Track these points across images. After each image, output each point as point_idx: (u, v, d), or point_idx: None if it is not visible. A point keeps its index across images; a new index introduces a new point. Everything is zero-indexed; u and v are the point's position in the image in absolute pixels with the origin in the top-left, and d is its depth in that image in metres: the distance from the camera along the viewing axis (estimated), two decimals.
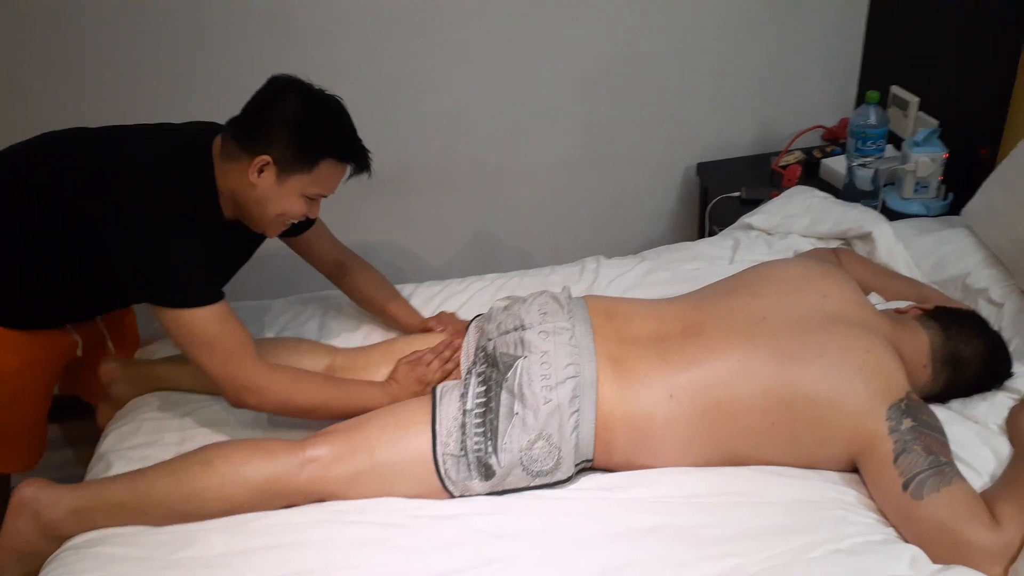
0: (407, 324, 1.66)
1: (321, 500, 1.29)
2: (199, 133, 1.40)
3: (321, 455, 1.27)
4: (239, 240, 1.48)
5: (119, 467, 1.37)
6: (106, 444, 1.45)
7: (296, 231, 1.58)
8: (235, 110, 2.08)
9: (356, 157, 1.39)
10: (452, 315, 1.69)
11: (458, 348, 1.50)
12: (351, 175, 1.41)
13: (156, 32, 1.99)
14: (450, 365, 1.49)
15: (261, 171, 1.33)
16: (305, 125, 1.33)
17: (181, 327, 1.30)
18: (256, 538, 1.21)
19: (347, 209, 2.32)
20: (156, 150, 1.37)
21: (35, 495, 1.25)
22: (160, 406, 1.51)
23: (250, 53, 2.06)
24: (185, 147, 1.38)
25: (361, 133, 2.18)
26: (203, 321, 1.30)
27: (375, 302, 1.68)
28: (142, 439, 1.44)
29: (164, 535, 1.23)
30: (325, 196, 1.41)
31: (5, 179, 1.36)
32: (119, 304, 1.56)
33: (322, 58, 2.10)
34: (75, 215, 1.30)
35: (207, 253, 1.33)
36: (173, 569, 1.17)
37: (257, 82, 2.07)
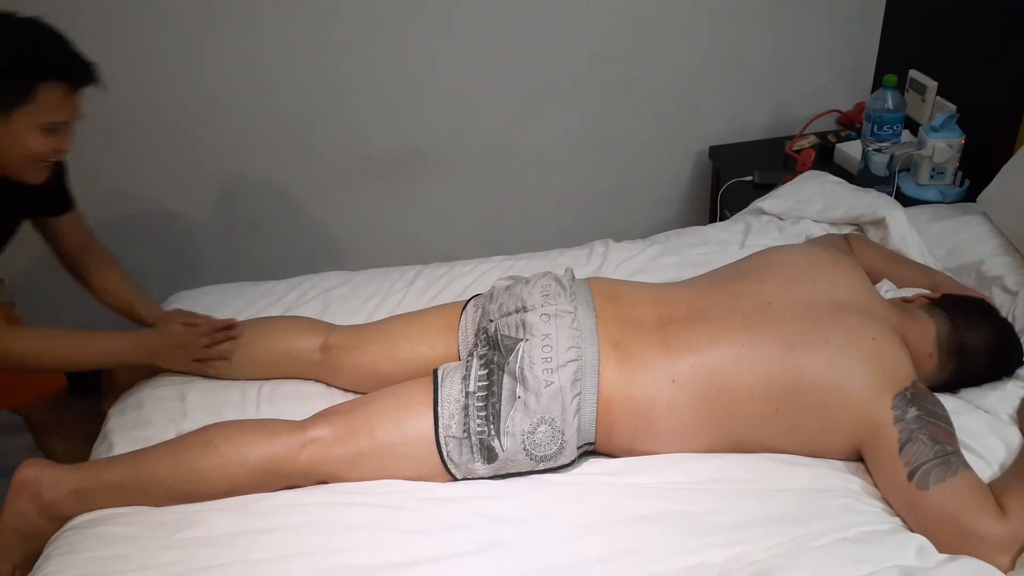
0: (148, 315, 1.58)
1: (322, 481, 1.28)
2: None
3: (322, 435, 1.27)
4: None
5: (122, 448, 1.37)
6: (109, 425, 1.45)
7: (47, 211, 1.51)
8: (245, 87, 2.09)
9: (73, 73, 1.28)
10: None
11: (234, 337, 1.48)
12: (79, 88, 1.30)
13: (164, 7, 1.98)
14: (216, 352, 1.48)
15: None
16: (7, 56, 1.24)
17: None
18: (258, 519, 1.21)
19: (355, 190, 2.33)
20: None
21: (36, 476, 1.25)
22: (162, 387, 1.51)
23: (260, 33, 2.04)
24: None
25: (371, 115, 2.21)
26: None
27: (120, 295, 1.59)
28: (145, 420, 1.44)
29: (166, 515, 1.23)
30: (67, 122, 1.31)
31: None
32: None
33: (332, 39, 2.08)
34: None
35: None
36: (175, 549, 1.17)
37: (268, 60, 2.07)
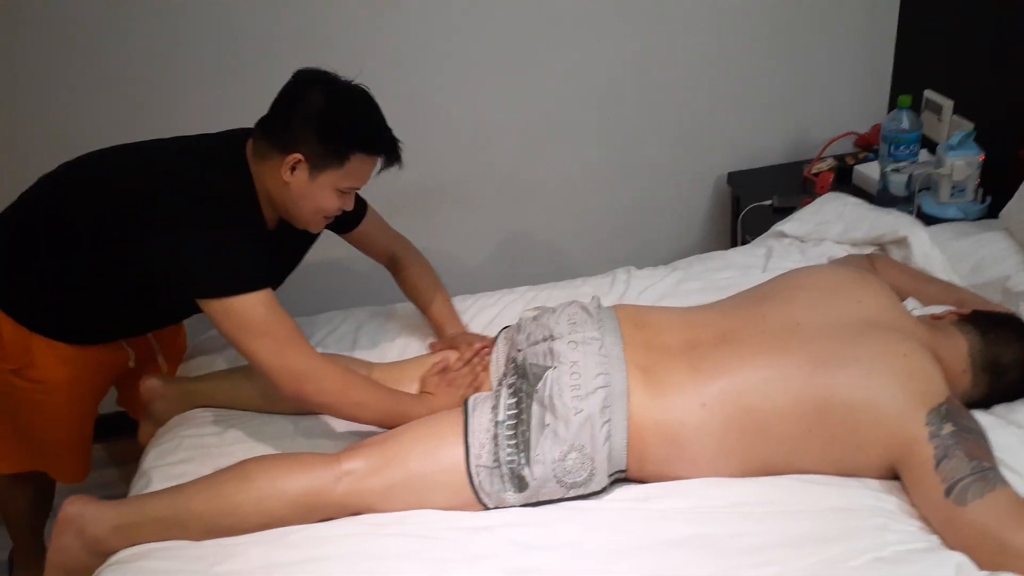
0: (441, 331, 1.68)
1: (357, 513, 1.30)
2: (232, 138, 1.43)
3: (356, 468, 1.28)
4: (284, 243, 1.49)
5: (160, 483, 1.40)
6: (147, 461, 1.48)
7: (345, 226, 1.60)
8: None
9: (386, 148, 1.38)
10: (478, 335, 1.69)
11: (487, 355, 1.52)
12: (383, 167, 1.40)
13: (186, 55, 2.04)
14: (479, 372, 1.50)
15: (293, 169, 1.33)
16: (333, 121, 1.32)
17: (230, 316, 1.28)
18: (293, 551, 1.22)
19: None
20: (192, 162, 1.39)
21: (80, 512, 1.28)
22: (200, 423, 1.54)
23: (279, 70, 2.09)
24: (220, 154, 1.40)
25: None
26: (252, 308, 1.28)
27: (419, 301, 1.70)
28: (182, 455, 1.46)
29: (204, 549, 1.24)
30: (358, 188, 1.42)
31: (49, 210, 1.41)
32: (171, 321, 1.60)
33: (349, 74, 2.12)
34: (121, 239, 1.34)
35: (250, 245, 1.33)
36: None
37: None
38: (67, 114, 2.04)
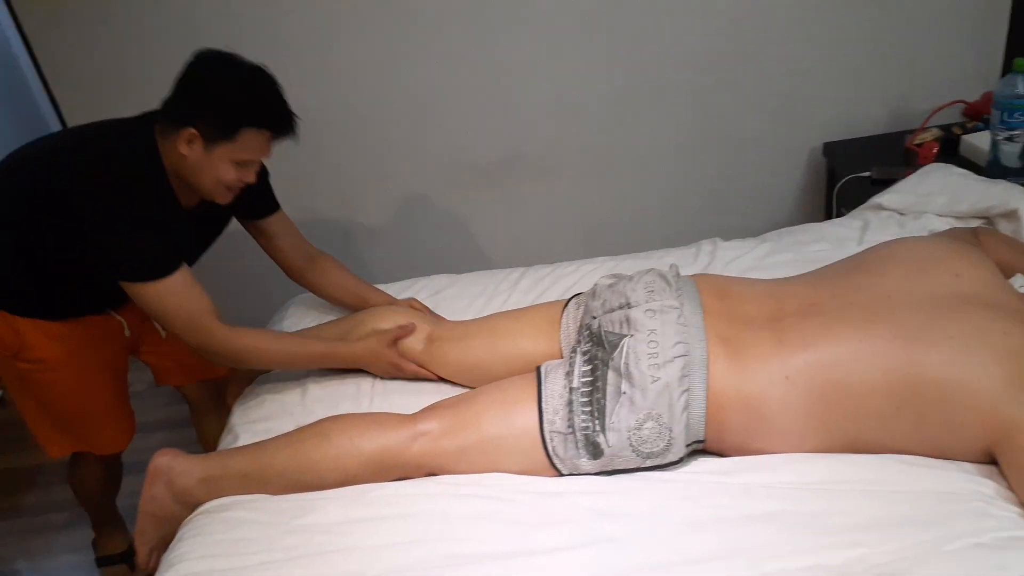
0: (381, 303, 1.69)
1: (432, 473, 1.32)
2: (143, 121, 1.46)
3: (431, 429, 1.30)
4: (202, 221, 1.54)
5: (245, 439, 1.45)
6: (234, 418, 1.54)
7: (253, 214, 1.62)
8: (359, 98, 2.16)
9: (275, 123, 1.42)
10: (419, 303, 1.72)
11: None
12: (274, 139, 1.43)
13: (290, 24, 2.08)
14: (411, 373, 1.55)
15: (189, 143, 1.39)
16: (223, 97, 1.38)
17: (141, 299, 1.40)
18: (371, 508, 1.25)
19: (461, 196, 2.38)
20: (103, 148, 1.44)
21: (168, 464, 1.34)
22: (282, 383, 1.59)
23: (369, 43, 2.12)
24: (131, 138, 1.44)
25: (474, 122, 2.26)
26: (162, 292, 1.39)
27: (351, 290, 1.71)
28: (266, 412, 1.52)
29: (285, 502, 1.29)
30: (257, 160, 1.45)
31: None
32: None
33: (438, 49, 2.14)
34: (59, 214, 1.39)
35: (161, 229, 1.40)
36: (294, 534, 1.23)
37: (381, 73, 2.15)
38: None
